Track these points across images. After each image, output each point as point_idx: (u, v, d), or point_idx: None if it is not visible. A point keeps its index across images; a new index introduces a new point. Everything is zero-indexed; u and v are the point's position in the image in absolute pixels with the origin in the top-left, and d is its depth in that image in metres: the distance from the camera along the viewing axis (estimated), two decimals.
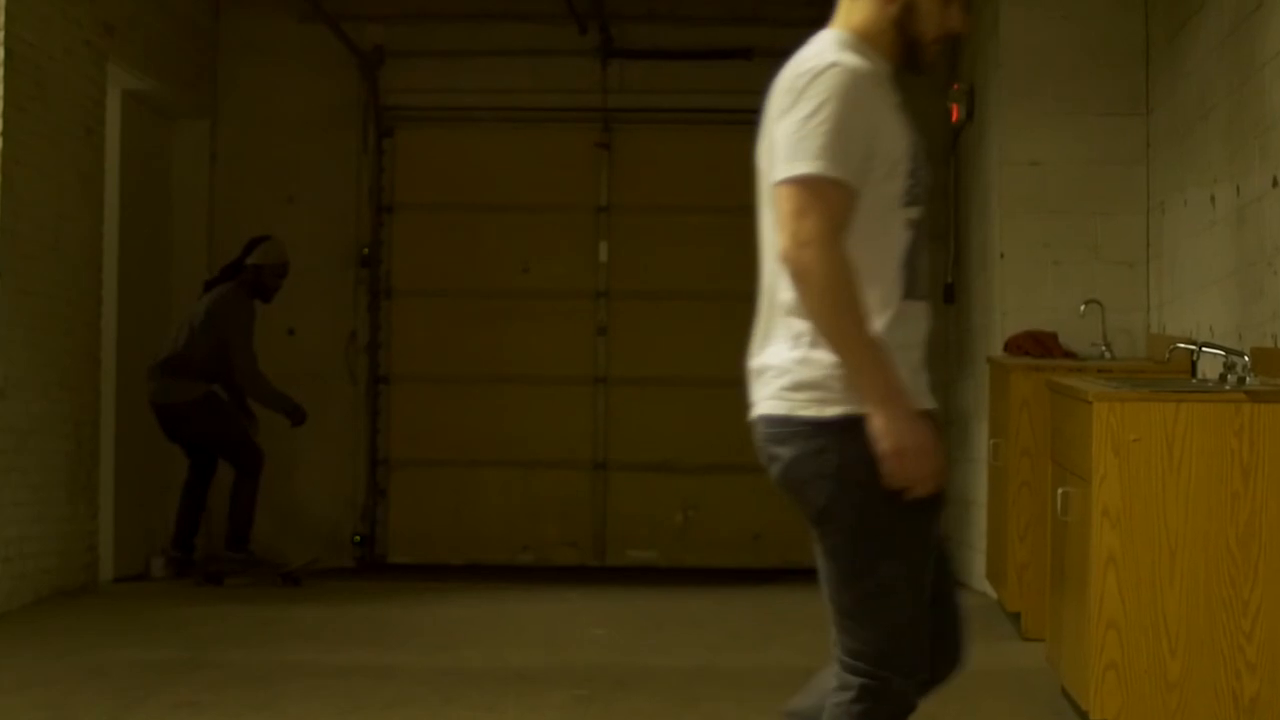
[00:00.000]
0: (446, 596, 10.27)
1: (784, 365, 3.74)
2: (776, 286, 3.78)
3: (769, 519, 12.11)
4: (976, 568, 10.34)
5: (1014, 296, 9.76)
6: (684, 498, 12.27)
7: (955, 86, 11.14)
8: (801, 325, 3.72)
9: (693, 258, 12.27)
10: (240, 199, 12.22)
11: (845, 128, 3.60)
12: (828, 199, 3.57)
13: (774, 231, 3.76)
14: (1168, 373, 7.98)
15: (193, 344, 10.87)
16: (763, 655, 8.18)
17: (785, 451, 3.72)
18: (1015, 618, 8.58)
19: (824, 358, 3.70)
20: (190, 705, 6.73)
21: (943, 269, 11.72)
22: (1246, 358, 6.52)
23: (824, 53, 3.74)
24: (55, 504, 9.81)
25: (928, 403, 3.81)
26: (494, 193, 12.33)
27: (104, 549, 10.64)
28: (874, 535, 3.73)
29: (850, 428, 3.67)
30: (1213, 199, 8.08)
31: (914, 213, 3.76)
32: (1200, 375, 7.25)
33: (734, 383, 12.28)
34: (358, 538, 12.25)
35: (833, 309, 3.60)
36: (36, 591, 9.47)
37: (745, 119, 12.01)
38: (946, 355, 11.84)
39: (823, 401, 3.70)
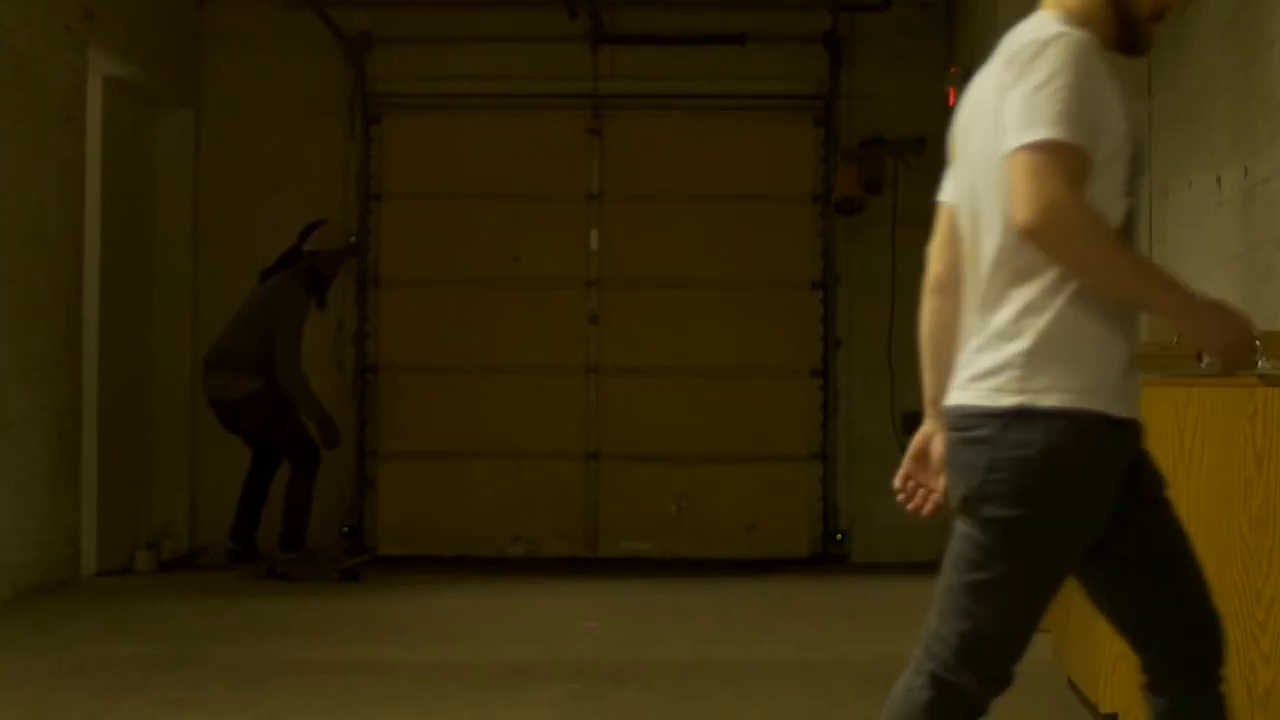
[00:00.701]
0: (436, 589, 10.14)
1: (998, 351, 3.55)
2: (992, 262, 3.58)
3: (763, 510, 12.13)
4: None
5: None
6: (677, 488, 12.17)
7: (953, 70, 10.99)
8: (1028, 295, 3.52)
9: (686, 245, 12.18)
10: (225, 188, 12.12)
11: (1078, 95, 3.43)
12: (1066, 162, 3.39)
13: (992, 205, 3.57)
14: (1174, 358, 7.84)
15: (245, 336, 10.73)
16: (758, 647, 8.06)
17: (984, 434, 3.53)
18: None
19: (1027, 344, 3.52)
20: (173, 703, 6.57)
21: None
22: (1258, 341, 6.35)
23: (1047, 25, 3.57)
24: (35, 497, 9.65)
25: (1137, 410, 3.61)
26: (483, 180, 12.22)
27: (86, 543, 10.50)
28: (1023, 533, 3.55)
29: (1041, 418, 3.49)
30: (1219, 180, 7.93)
31: (1130, 203, 3.57)
32: (1208, 360, 7.10)
33: (728, 372, 12.43)
34: (346, 529, 12.15)
35: (1096, 249, 3.41)
36: (16, 586, 9.31)
37: (738, 105, 12.40)
38: None
39: (1016, 391, 3.52)
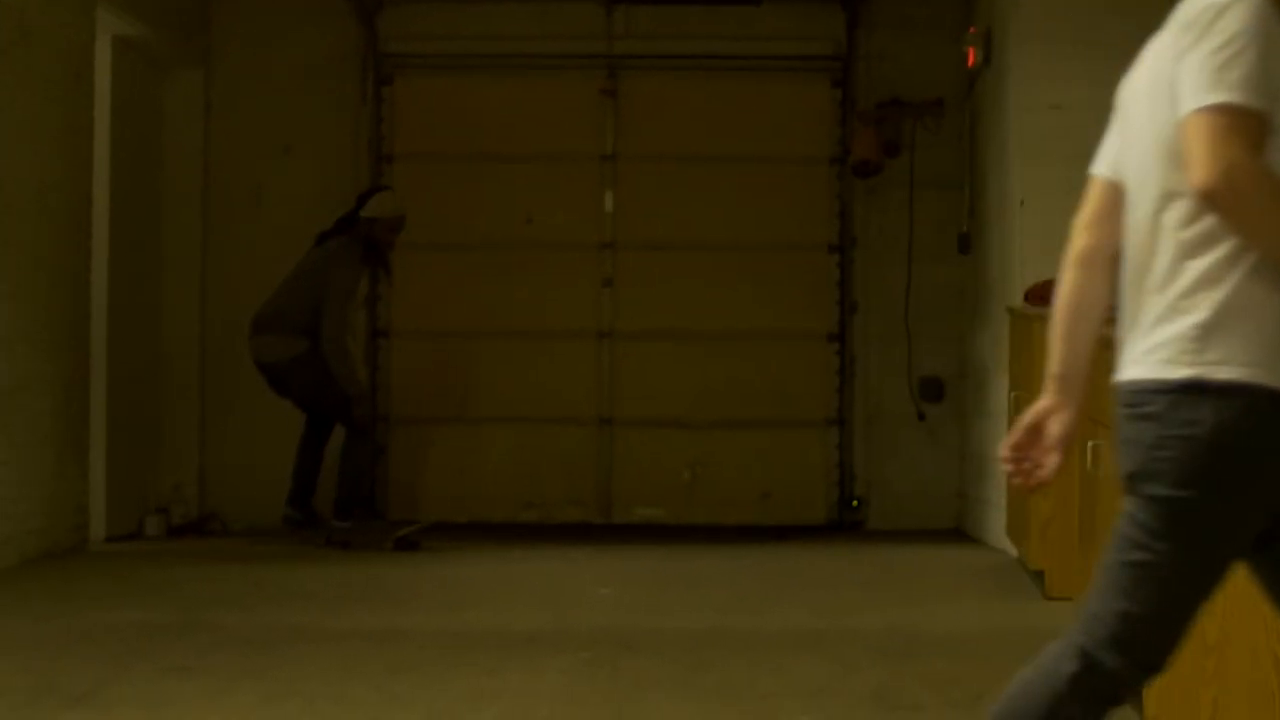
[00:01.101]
0: (448, 556, 10.06)
1: (1172, 324, 3.40)
2: (1166, 234, 3.44)
3: (778, 477, 12.06)
4: (995, 524, 10.16)
5: (1035, 245, 9.43)
6: (692, 454, 12.08)
7: (971, 30, 10.90)
8: (1204, 267, 3.38)
9: (701, 208, 12.09)
10: (235, 150, 12.00)
11: (1258, 60, 3.30)
12: (1247, 127, 3.26)
13: (1164, 175, 3.43)
14: None
15: (293, 298, 10.56)
16: (773, 617, 7.97)
17: (1151, 411, 3.39)
18: (1038, 576, 8.35)
19: (1203, 316, 3.38)
20: (180, 670, 6.50)
21: (957, 218, 11.52)
22: None
23: None
24: (43, 463, 9.56)
25: None
26: (496, 142, 12.12)
27: (95, 508, 10.41)
28: (1187, 515, 3.41)
29: (1212, 394, 3.35)
30: None
31: None
32: None
33: (743, 336, 12.35)
34: None
35: (1277, 215, 3.28)
36: (23, 553, 9.22)
37: (754, 65, 12.25)
38: (961, 307, 11.68)
39: (1188, 363, 3.37)
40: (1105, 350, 6.40)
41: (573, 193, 12.12)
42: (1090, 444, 6.28)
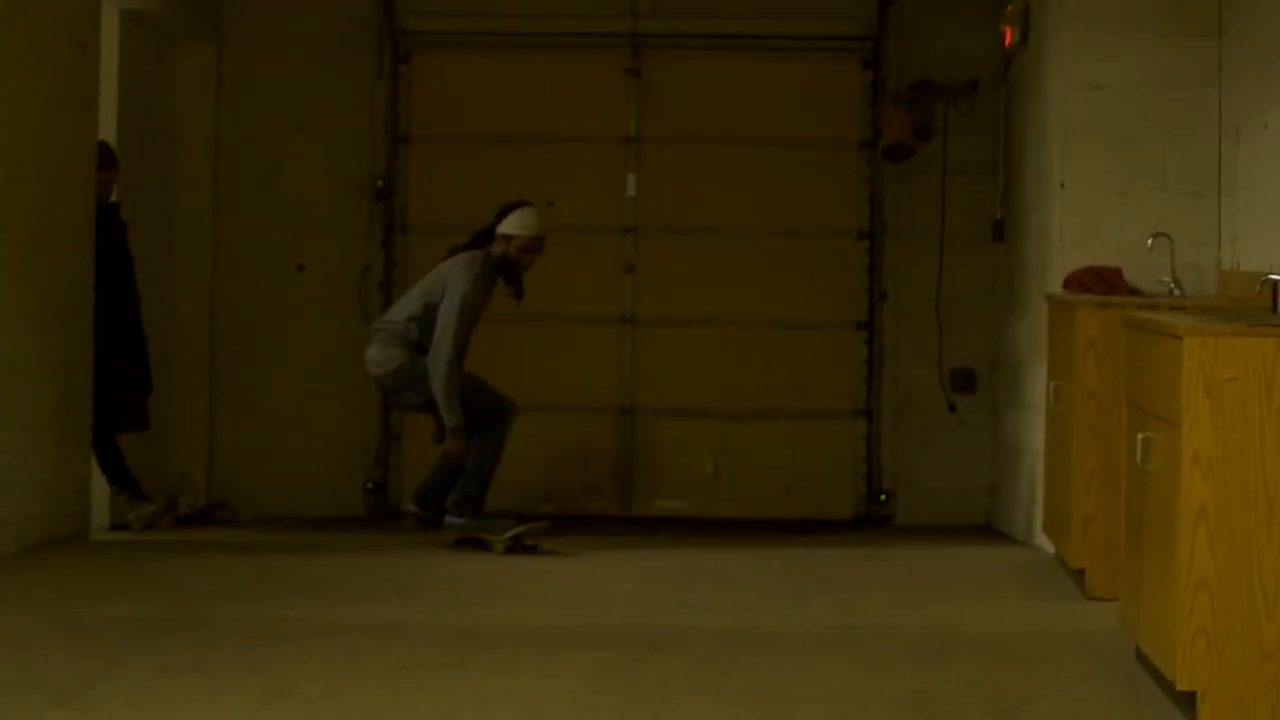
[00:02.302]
0: (461, 548, 9.76)
1: None
2: None
3: (803, 469, 11.85)
4: (1030, 520, 9.91)
5: (1075, 230, 9.24)
6: (715, 445, 11.88)
7: (1009, 8, 10.62)
8: None
9: (726, 192, 11.87)
10: (247, 127, 11.82)
11: None
12: None
13: None
14: (1254, 309, 7.43)
15: (406, 306, 9.92)
16: (801, 615, 7.66)
17: None
18: (1078, 575, 8.06)
19: None
20: (175, 667, 6.23)
21: (991, 205, 11.27)
22: None
23: None
24: (41, 447, 9.25)
25: None
26: (516, 122, 11.92)
27: (98, 496, 10.11)
28: None
29: None
30: None
31: None
32: None
33: (769, 324, 12.16)
34: (369, 485, 11.88)
35: None
36: (21, 540, 8.93)
37: (783, 45, 12.02)
38: (994, 295, 11.48)
39: None
40: (1141, 333, 6.13)
41: (594, 176, 11.91)
42: (1141, 436, 5.98)
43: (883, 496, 11.78)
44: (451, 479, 9.85)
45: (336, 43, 11.88)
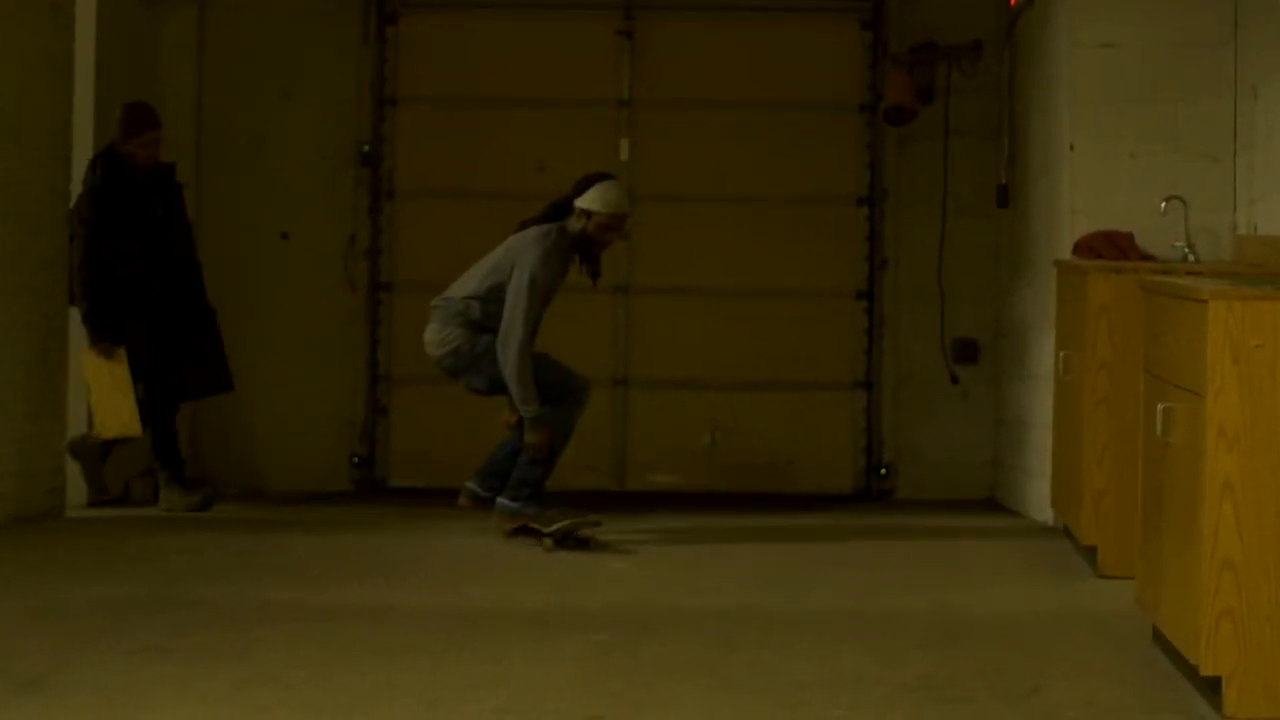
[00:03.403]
0: (451, 525, 9.54)
1: None
2: None
3: (803, 442, 11.64)
4: (1036, 494, 9.70)
5: (1085, 194, 9.03)
6: (711, 418, 11.66)
7: None
8: None
9: (722, 157, 11.64)
10: (231, 92, 11.59)
11: None
12: None
13: None
14: (1273, 274, 7.19)
15: (469, 283, 9.08)
16: (804, 595, 7.43)
17: None
18: (1089, 552, 7.83)
19: None
20: (148, 651, 5.99)
21: (995, 169, 11.04)
22: None
23: None
24: (14, 420, 9.05)
25: None
26: (506, 85, 11.68)
27: (75, 471, 9.92)
28: None
29: None
30: None
31: None
32: None
33: (767, 293, 11.91)
34: (356, 459, 11.67)
35: None
36: None
37: (780, 5, 11.77)
38: (999, 263, 11.29)
39: None
40: (1161, 298, 5.88)
41: (587, 140, 11.64)
42: (1161, 407, 5.73)
43: (883, 470, 11.60)
44: (516, 457, 8.96)
45: (322, 4, 11.66)
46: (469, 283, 9.02)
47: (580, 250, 9.10)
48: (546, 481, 8.89)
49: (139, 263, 9.77)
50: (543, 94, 11.69)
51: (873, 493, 11.56)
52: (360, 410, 11.70)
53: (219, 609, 6.82)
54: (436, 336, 9.03)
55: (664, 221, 11.64)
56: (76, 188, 9.88)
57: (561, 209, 9.06)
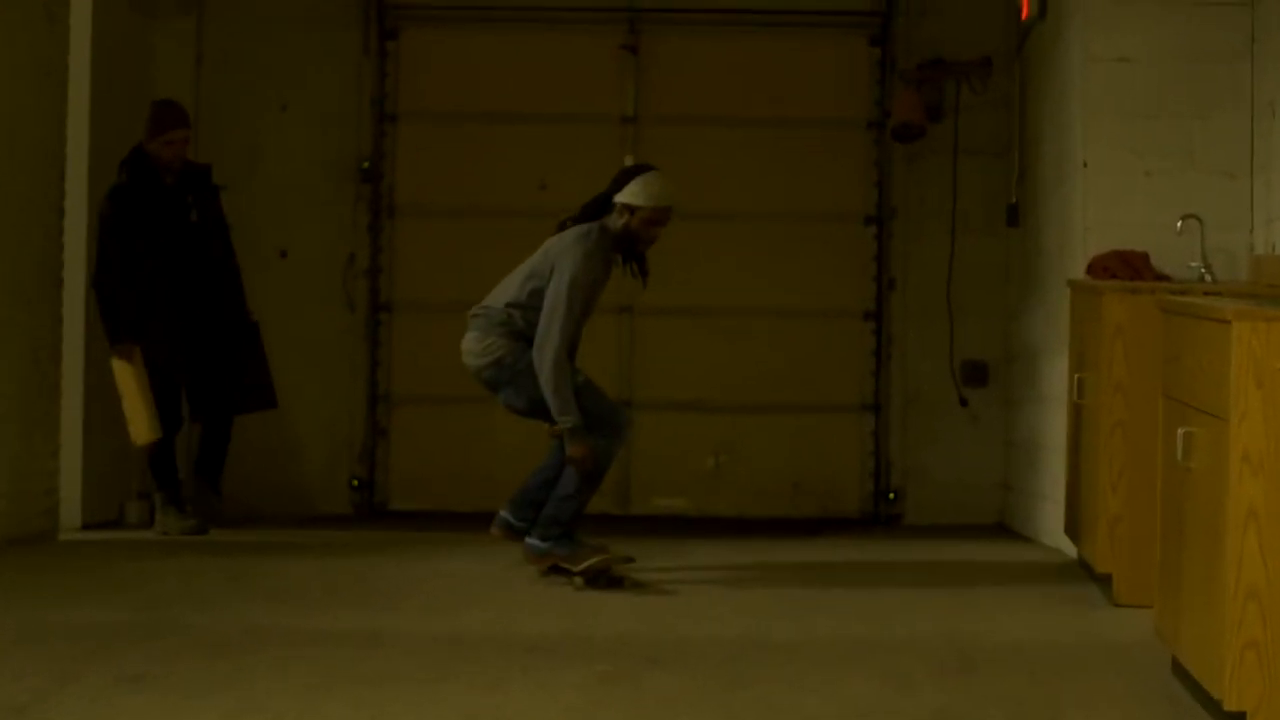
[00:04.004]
0: (451, 550, 9.42)
1: None
2: None
3: (809, 465, 11.45)
4: (1048, 521, 9.54)
5: (1098, 212, 8.85)
6: (716, 440, 11.47)
7: None
8: None
9: (728, 175, 11.45)
10: (228, 106, 11.41)
11: None
12: None
13: None
14: None
15: (506, 290, 8.60)
16: (813, 623, 7.26)
17: None
18: (1104, 580, 7.66)
19: None
20: (135, 679, 5.83)
21: (1005, 187, 10.89)
22: None
23: None
24: (5, 439, 8.88)
25: None
26: (509, 101, 11.50)
27: (69, 492, 9.74)
28: None
29: None
30: None
31: None
32: None
33: (772, 313, 11.73)
34: (355, 482, 11.46)
35: None
36: None
37: (787, 21, 11.56)
38: (1009, 283, 11.13)
39: None
40: (1181, 319, 5.72)
41: (590, 157, 11.34)
42: (1182, 431, 5.57)
43: (891, 494, 11.41)
44: (550, 487, 8.46)
45: (321, 17, 11.49)
46: (508, 290, 8.53)
47: (623, 249, 8.63)
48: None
49: (161, 264, 9.61)
50: (545, 109, 11.54)
51: (881, 517, 11.38)
52: (359, 432, 11.52)
53: (206, 635, 6.67)
54: (477, 345, 8.48)
55: (668, 240, 11.28)
56: (71, 200, 9.76)
57: (601, 205, 8.58)
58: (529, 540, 8.32)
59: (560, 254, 8.40)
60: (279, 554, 9.16)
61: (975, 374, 11.36)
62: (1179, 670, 5.80)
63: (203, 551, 9.22)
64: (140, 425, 9.62)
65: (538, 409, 8.40)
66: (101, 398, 10.08)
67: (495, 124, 11.51)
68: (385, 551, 9.35)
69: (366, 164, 11.45)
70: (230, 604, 7.48)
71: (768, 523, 11.06)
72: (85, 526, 9.89)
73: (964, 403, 11.33)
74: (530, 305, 8.39)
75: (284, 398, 10.66)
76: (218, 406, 9.99)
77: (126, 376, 9.57)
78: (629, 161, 11.10)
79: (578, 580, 8.06)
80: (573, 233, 8.48)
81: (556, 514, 8.27)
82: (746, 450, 11.48)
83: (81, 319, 9.89)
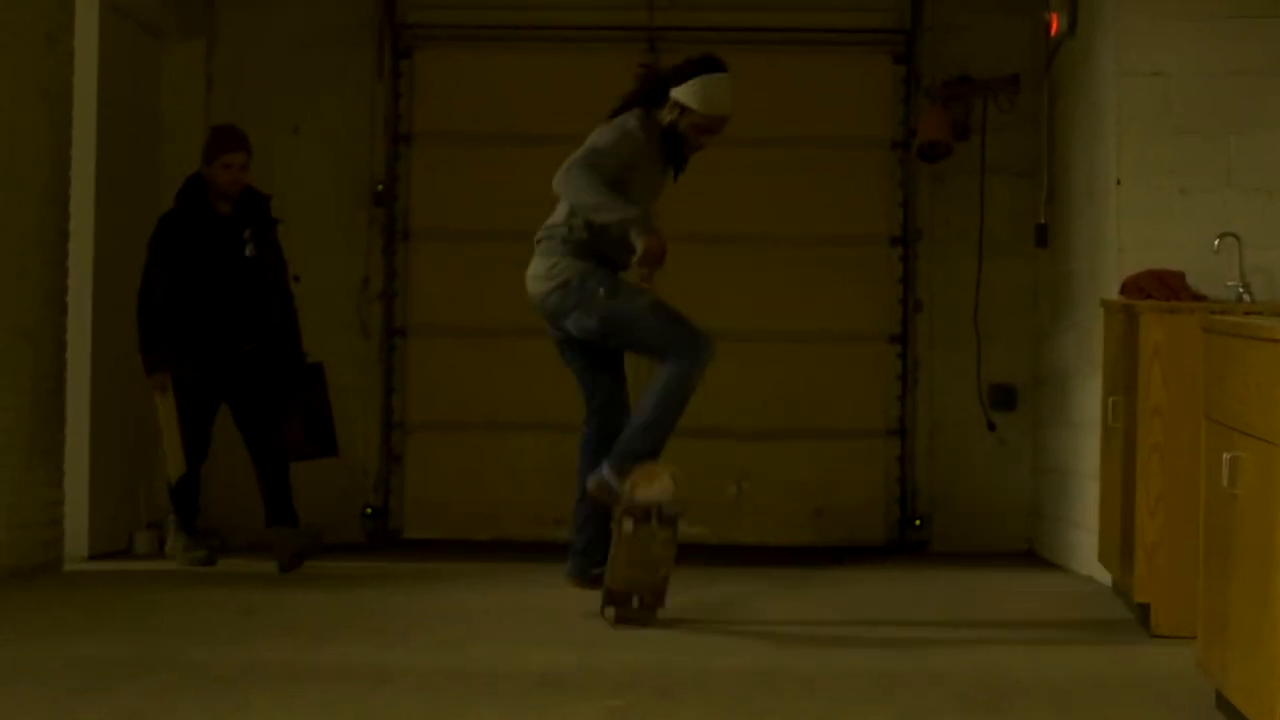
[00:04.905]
0: (464, 581, 9.24)
1: None
2: None
3: (832, 491, 11.35)
4: (1080, 549, 9.33)
5: (1132, 231, 8.67)
6: (737, 467, 11.38)
7: None
8: None
9: (749, 195, 11.37)
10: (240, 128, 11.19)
11: None
12: None
13: None
14: None
15: (563, 206, 7.87)
16: (838, 655, 7.01)
17: None
18: (1142, 609, 7.41)
19: None
20: (132, 716, 5.55)
21: (1033, 207, 10.71)
22: None
23: None
24: (7, 469, 8.69)
25: None
26: (525, 122, 11.42)
27: (75, 522, 9.58)
28: None
29: None
30: None
31: None
32: None
33: (795, 337, 11.55)
34: (369, 510, 11.39)
35: None
36: None
37: (809, 39, 11.42)
38: (1037, 305, 10.97)
39: None
40: (1225, 339, 5.47)
41: None
42: (1227, 456, 5.32)
43: (917, 521, 11.31)
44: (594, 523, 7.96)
45: (333, 38, 11.46)
46: (563, 205, 7.86)
47: (666, 145, 7.90)
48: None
49: (205, 296, 9.40)
50: (563, 130, 11.14)
51: (907, 544, 11.26)
52: (374, 459, 11.44)
53: (207, 670, 6.41)
54: (542, 269, 7.76)
55: (689, 262, 11.20)
56: (76, 225, 9.63)
57: (656, 93, 7.83)
58: (603, 470, 7.75)
59: (604, 131, 7.80)
60: (288, 586, 8.97)
61: (1003, 398, 11.22)
62: (1224, 705, 5.57)
63: (210, 583, 9.03)
64: (170, 460, 9.47)
65: (610, 325, 7.79)
66: (109, 430, 9.94)
67: (511, 145, 11.41)
68: (397, 582, 9.17)
69: (380, 187, 11.38)
70: (233, 638, 7.23)
71: (790, 550, 10.92)
72: (92, 556, 9.75)
73: (992, 427, 11.17)
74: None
75: None
76: (276, 453, 9.67)
77: (162, 411, 9.39)
78: None
79: (609, 612, 7.65)
80: (622, 118, 7.82)
81: (637, 446, 7.77)
82: (769, 477, 11.38)
83: (88, 347, 9.76)
